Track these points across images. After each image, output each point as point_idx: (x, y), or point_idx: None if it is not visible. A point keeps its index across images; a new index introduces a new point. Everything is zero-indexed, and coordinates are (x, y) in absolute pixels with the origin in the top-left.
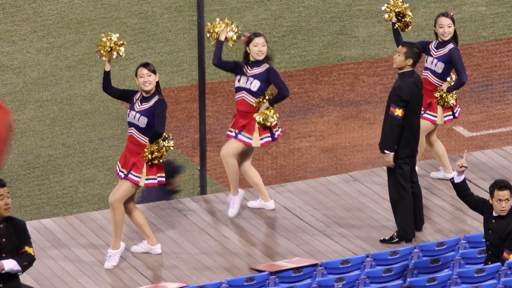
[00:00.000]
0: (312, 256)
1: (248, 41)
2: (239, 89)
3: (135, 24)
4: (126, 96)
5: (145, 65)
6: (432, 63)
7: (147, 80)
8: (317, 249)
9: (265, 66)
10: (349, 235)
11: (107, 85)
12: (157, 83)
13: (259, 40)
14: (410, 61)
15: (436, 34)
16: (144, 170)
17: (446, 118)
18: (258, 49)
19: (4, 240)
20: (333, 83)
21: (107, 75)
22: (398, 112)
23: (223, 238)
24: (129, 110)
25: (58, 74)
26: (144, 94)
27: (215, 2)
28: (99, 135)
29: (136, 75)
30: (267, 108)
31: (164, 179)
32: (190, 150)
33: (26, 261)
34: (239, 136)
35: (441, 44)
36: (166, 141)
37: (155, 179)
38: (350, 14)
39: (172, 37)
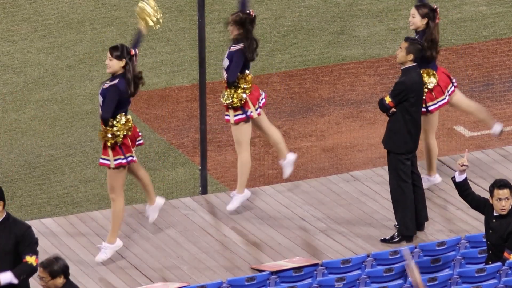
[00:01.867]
0: (313, 255)
1: None
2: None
3: (136, 24)
4: None
5: (112, 48)
6: None
7: (107, 63)
8: (317, 248)
9: (239, 46)
10: (349, 234)
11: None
12: (129, 68)
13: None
14: (411, 57)
15: None
16: (110, 152)
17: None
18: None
19: None
20: (333, 83)
21: (140, 34)
22: (388, 101)
23: (224, 238)
24: None
25: (59, 74)
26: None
27: (215, 1)
28: None
29: None
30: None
31: (134, 158)
32: (191, 150)
33: (25, 274)
34: (227, 117)
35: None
36: (113, 126)
37: (124, 158)
38: (351, 13)
39: (172, 36)
